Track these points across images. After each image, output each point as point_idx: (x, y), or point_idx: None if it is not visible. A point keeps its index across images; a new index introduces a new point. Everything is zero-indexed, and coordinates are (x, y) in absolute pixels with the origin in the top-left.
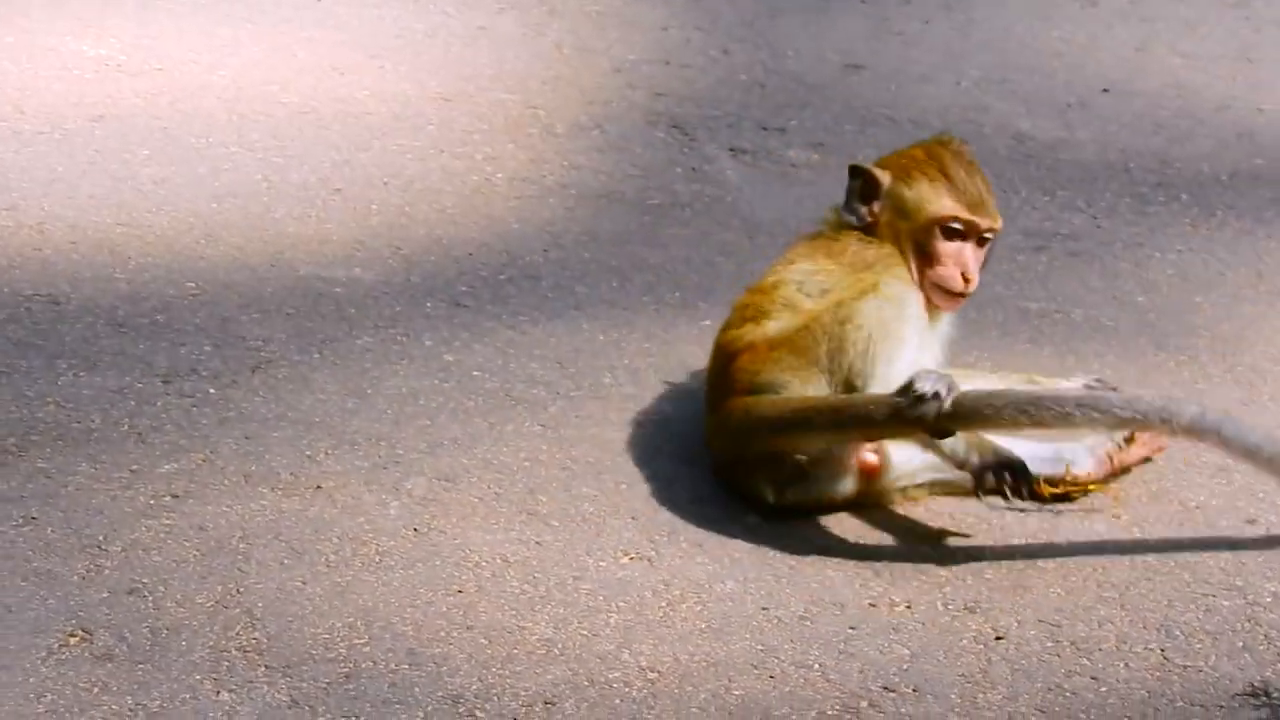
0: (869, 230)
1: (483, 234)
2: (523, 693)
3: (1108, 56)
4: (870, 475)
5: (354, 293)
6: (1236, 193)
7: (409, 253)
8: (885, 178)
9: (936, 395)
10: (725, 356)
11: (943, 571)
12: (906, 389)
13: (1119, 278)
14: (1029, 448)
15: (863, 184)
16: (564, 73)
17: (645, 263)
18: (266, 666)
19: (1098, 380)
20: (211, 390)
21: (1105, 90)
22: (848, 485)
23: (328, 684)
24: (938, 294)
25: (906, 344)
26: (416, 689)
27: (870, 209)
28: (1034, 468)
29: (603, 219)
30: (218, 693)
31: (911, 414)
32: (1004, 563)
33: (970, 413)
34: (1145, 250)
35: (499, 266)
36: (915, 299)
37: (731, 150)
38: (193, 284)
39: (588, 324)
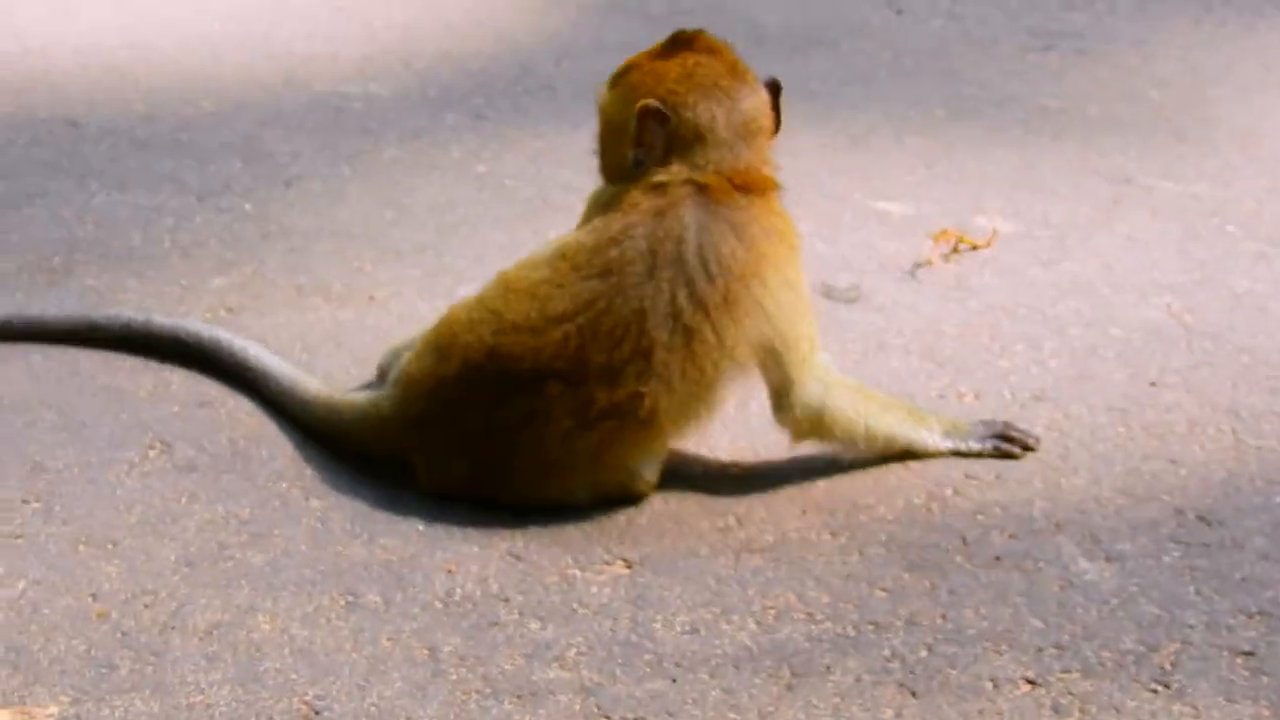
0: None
1: (492, 47)
2: None
3: None
4: None
5: (372, 107)
6: None
7: (421, 67)
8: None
9: None
10: None
11: (1003, 363)
12: None
13: (1129, 74)
14: None
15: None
16: None
17: None
18: (351, 476)
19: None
20: (248, 206)
21: None
22: None
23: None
24: None
25: None
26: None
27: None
28: None
29: (608, 29)
30: (307, 499)
31: None
32: (1064, 354)
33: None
34: (1150, 47)
35: (513, 79)
36: None
37: None
38: (208, 103)
39: None
